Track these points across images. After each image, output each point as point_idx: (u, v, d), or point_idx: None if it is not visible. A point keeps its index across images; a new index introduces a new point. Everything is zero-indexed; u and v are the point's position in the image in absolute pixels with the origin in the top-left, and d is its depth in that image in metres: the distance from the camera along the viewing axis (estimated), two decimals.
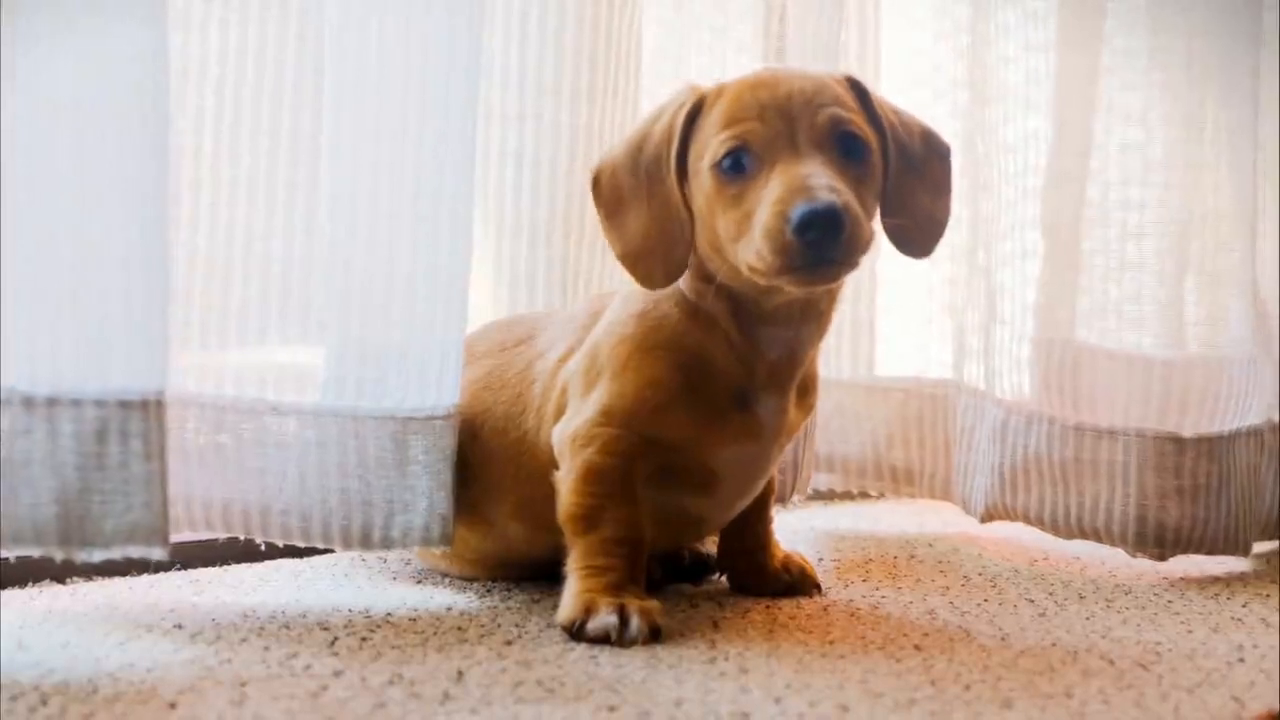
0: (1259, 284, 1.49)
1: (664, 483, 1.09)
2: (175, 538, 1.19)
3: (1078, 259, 1.44)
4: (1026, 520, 1.42)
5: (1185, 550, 1.36)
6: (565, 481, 1.07)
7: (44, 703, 0.83)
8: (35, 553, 0.95)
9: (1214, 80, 1.43)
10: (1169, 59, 1.43)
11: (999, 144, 1.46)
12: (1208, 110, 1.43)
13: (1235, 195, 1.44)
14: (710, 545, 1.26)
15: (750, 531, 1.20)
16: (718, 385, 1.07)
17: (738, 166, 1.01)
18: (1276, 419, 1.45)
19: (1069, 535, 1.40)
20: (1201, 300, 1.45)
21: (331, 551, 1.26)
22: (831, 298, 1.09)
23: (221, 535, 1.11)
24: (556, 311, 1.25)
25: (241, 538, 1.11)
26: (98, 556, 0.95)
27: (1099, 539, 1.39)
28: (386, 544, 1.11)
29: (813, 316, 1.08)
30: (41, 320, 0.94)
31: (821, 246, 0.95)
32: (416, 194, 1.09)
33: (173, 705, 0.83)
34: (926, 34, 1.58)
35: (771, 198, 0.97)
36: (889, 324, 1.62)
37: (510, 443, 1.14)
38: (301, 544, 1.12)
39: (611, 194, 1.07)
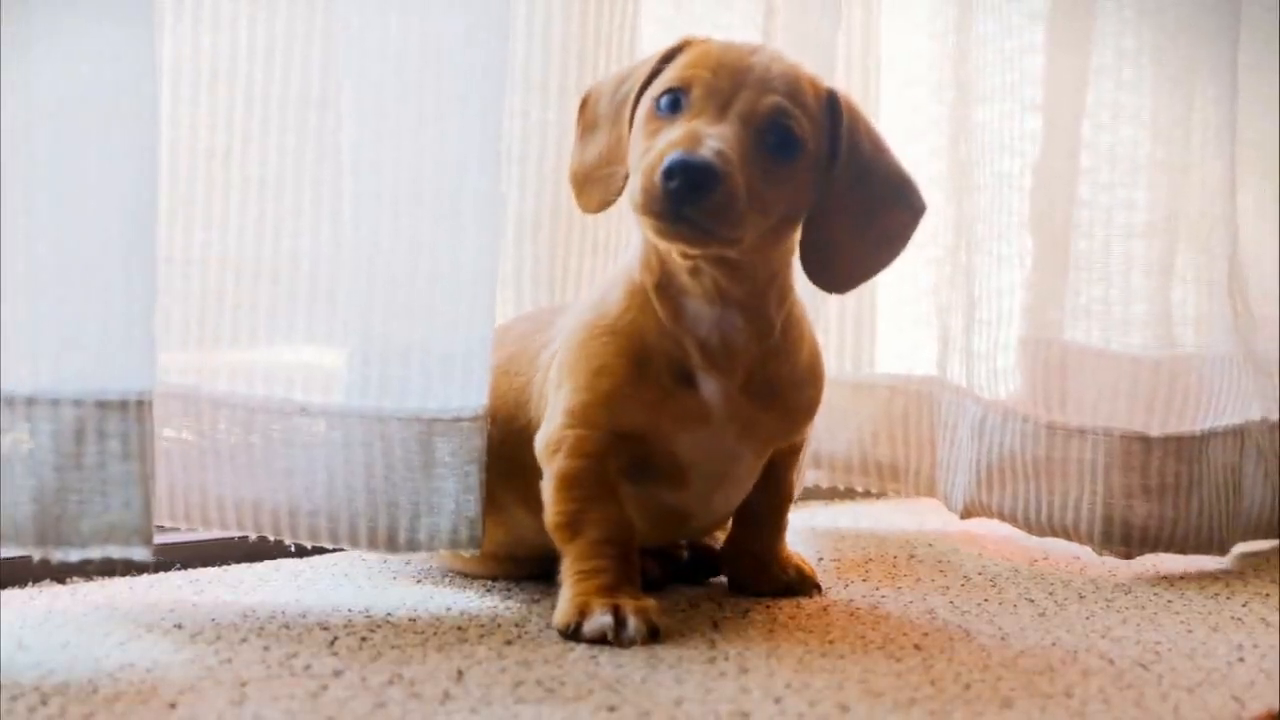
0: (1250, 284, 1.49)
1: (638, 477, 1.09)
2: (184, 537, 1.20)
3: (1065, 258, 1.44)
4: (1001, 517, 1.42)
5: (1153, 549, 1.36)
6: (546, 490, 1.07)
7: (44, 703, 0.83)
8: (12, 552, 0.95)
9: (1200, 79, 1.43)
10: (1157, 58, 1.43)
11: (992, 143, 1.46)
12: (1194, 110, 1.43)
13: (1219, 194, 1.44)
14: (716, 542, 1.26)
15: (762, 533, 1.20)
16: (658, 363, 1.06)
17: (674, 106, 1.02)
18: (1275, 419, 1.44)
19: (1040, 533, 1.40)
20: (1182, 300, 1.45)
21: (335, 551, 1.26)
22: (749, 288, 1.06)
23: (253, 535, 1.12)
24: (575, 303, 1.25)
25: (272, 538, 1.11)
26: (74, 556, 0.95)
27: (1068, 537, 1.39)
28: (413, 546, 1.11)
29: (733, 301, 1.06)
30: (21, 320, 0.93)
31: (680, 199, 0.96)
32: (439, 192, 1.09)
33: (173, 705, 0.83)
34: (922, 34, 1.58)
35: (664, 140, 0.99)
36: (883, 323, 1.62)
37: (518, 429, 1.13)
38: (330, 545, 1.12)
39: (590, 116, 1.11)
